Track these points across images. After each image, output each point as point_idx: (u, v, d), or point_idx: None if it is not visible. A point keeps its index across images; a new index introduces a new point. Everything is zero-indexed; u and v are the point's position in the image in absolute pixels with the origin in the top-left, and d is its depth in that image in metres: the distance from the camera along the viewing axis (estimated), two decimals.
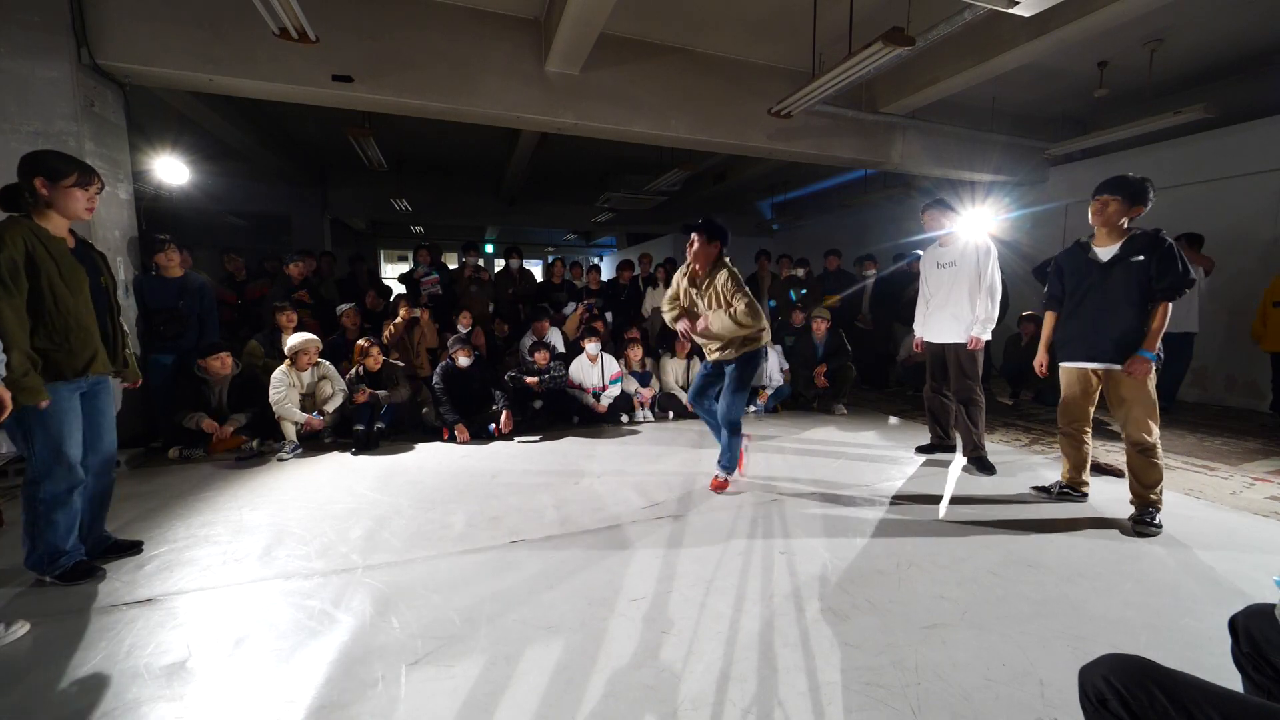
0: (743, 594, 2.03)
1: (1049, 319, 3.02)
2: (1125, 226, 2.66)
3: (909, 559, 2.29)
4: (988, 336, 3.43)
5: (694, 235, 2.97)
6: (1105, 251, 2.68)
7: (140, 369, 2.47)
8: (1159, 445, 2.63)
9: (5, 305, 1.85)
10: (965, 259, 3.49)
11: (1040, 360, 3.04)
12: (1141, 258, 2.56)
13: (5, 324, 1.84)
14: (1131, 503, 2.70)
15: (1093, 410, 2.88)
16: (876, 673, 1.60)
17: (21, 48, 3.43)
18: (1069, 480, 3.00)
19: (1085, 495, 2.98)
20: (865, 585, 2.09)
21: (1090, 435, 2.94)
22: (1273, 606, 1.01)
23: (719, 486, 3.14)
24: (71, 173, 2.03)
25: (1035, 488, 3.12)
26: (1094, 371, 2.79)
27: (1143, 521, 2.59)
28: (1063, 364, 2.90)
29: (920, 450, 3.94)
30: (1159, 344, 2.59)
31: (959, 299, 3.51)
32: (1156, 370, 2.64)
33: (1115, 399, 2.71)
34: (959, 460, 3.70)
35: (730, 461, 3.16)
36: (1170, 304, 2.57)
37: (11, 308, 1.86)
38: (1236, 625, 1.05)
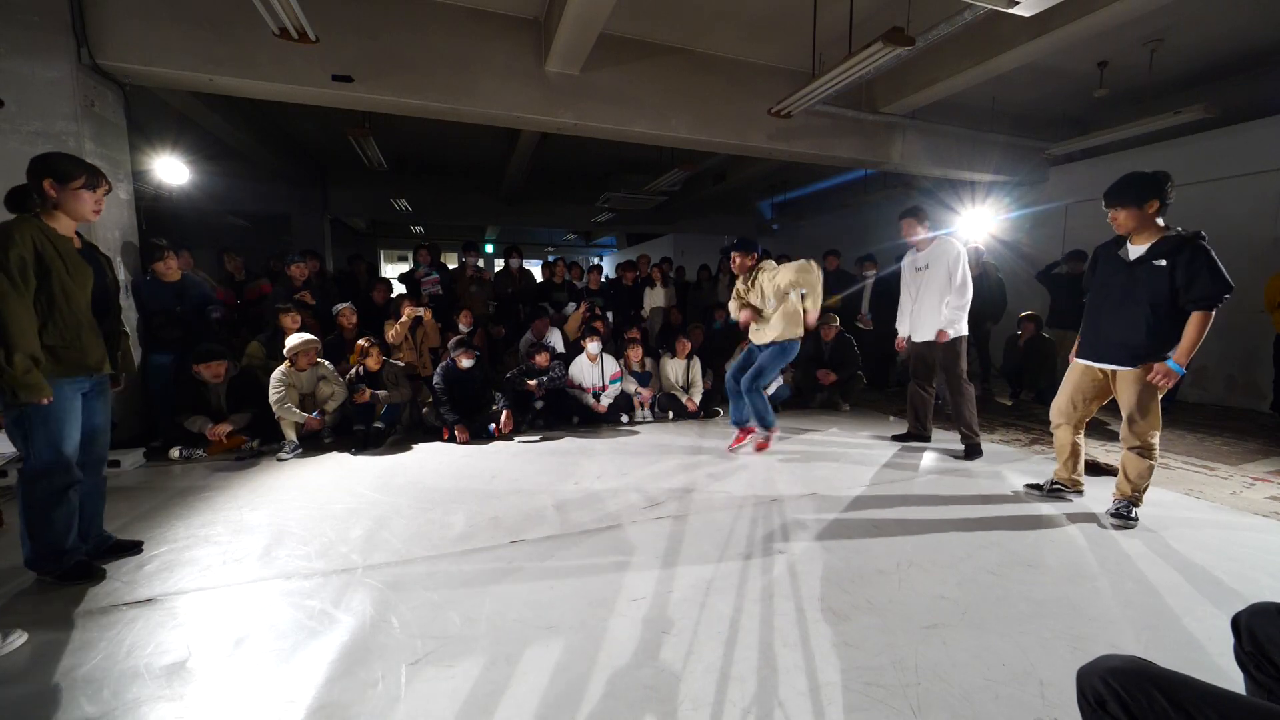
0: (743, 594, 2.03)
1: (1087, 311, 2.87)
2: (1161, 224, 2.48)
3: (909, 559, 2.29)
4: (955, 332, 3.66)
5: (735, 255, 3.84)
6: (1135, 250, 2.54)
7: (140, 370, 2.48)
8: (1157, 449, 2.62)
9: (15, 302, 1.85)
10: (937, 263, 3.73)
11: (1072, 352, 2.88)
12: (1164, 262, 2.39)
13: (14, 321, 1.84)
14: (1115, 496, 2.71)
15: (1088, 414, 2.83)
16: (876, 673, 1.60)
17: (21, 48, 3.44)
18: (1060, 478, 2.98)
19: (1080, 493, 2.96)
20: (865, 585, 2.08)
21: (1083, 435, 2.93)
22: (1275, 605, 1.01)
23: (763, 447, 3.85)
24: (80, 175, 2.04)
25: (1028, 485, 3.12)
26: (1100, 371, 2.71)
27: (1121, 515, 2.61)
28: (1072, 357, 2.85)
29: (896, 439, 4.21)
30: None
31: (932, 300, 3.75)
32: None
33: (1121, 401, 2.65)
34: (941, 454, 3.80)
35: (767, 420, 3.79)
36: (1206, 315, 2.36)
37: (21, 304, 1.87)
38: (1239, 624, 1.05)
